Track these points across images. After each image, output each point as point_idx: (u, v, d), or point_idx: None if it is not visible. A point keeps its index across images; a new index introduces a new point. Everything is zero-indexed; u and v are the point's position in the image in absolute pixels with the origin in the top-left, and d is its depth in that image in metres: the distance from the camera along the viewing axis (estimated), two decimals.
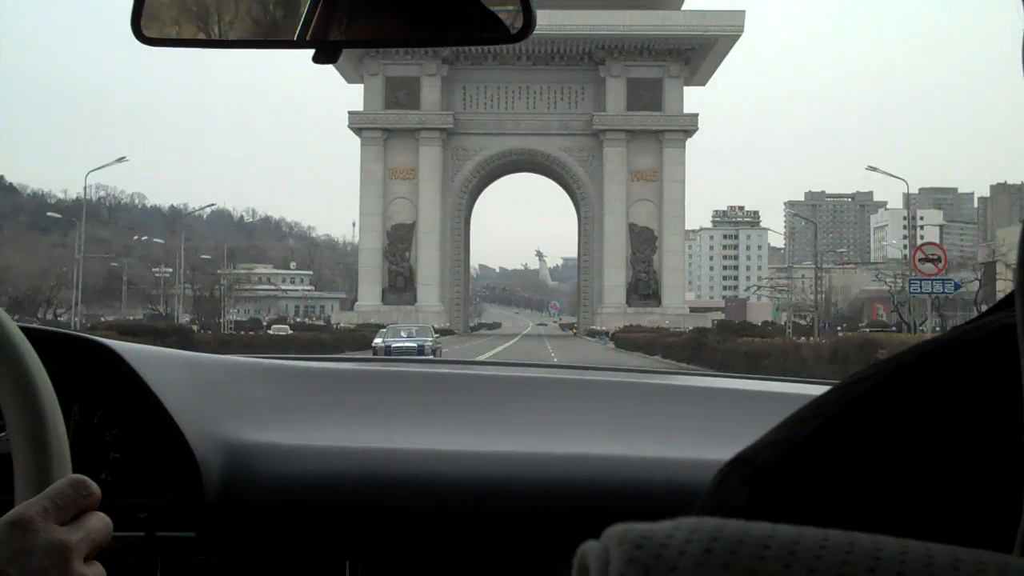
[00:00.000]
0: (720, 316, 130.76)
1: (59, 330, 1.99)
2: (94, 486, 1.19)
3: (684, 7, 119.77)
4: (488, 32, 1.44)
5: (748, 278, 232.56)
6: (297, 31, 1.45)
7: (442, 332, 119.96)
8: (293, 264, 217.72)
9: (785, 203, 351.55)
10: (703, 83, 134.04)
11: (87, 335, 2.02)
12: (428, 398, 2.31)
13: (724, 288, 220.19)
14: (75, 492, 1.17)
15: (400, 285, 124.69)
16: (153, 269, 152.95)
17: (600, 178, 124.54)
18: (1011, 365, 0.53)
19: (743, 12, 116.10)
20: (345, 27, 1.44)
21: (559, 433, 2.14)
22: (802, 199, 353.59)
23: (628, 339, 79.96)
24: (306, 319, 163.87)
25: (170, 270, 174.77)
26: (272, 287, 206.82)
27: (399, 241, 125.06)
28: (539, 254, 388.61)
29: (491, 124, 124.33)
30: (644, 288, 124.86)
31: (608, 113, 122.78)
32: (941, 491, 0.60)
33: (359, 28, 1.46)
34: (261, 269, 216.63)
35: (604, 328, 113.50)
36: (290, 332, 78.90)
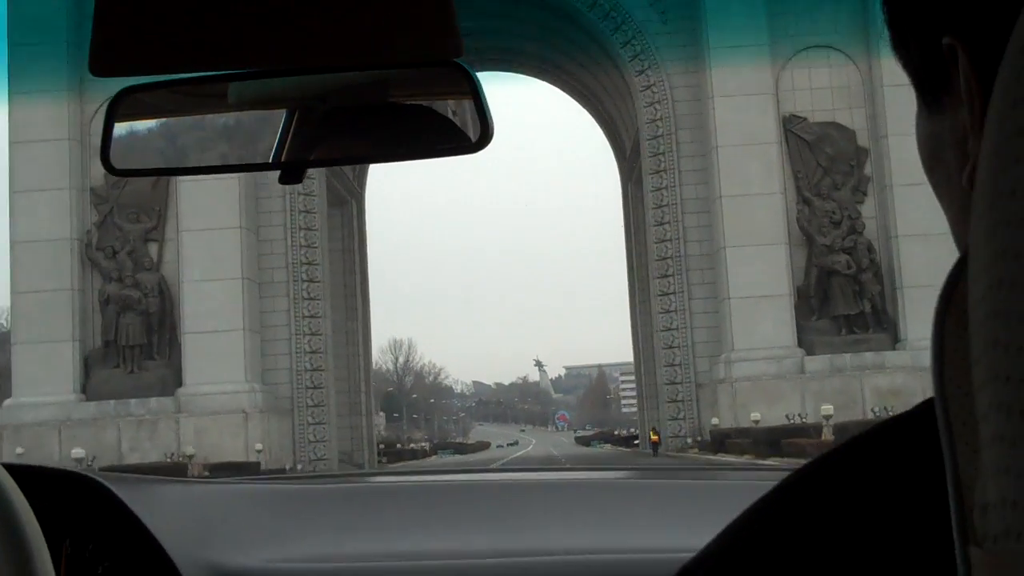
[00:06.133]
0: None
1: (43, 465, 2.06)
2: None
3: None
4: (448, 144, 1.51)
5: None
6: (266, 153, 1.55)
7: (236, 469, 37.20)
8: None
9: None
10: None
11: (72, 469, 2.08)
12: (427, 509, 2.31)
13: None
14: None
15: (136, 339, 42.55)
16: None
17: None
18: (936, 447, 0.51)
19: None
20: (314, 148, 1.55)
21: (557, 534, 2.16)
22: None
23: None
24: None
25: None
26: None
27: (127, 215, 43.99)
28: (538, 363, 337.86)
29: None
30: (845, 300, 43.26)
31: None
32: None
33: (327, 149, 1.57)
34: None
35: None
36: None
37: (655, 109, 46.86)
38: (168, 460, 38.77)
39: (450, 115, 1.49)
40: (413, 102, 1.54)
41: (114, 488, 2.00)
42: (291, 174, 1.51)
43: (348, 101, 1.52)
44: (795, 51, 44.56)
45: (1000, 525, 0.34)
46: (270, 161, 1.52)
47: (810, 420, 39.65)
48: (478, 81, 1.41)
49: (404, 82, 1.51)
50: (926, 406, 0.62)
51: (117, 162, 1.50)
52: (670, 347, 46.68)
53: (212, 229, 43.24)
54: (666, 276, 46.69)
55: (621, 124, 59.27)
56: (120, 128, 1.50)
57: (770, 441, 33.93)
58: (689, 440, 44.88)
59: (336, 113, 1.53)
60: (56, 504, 1.89)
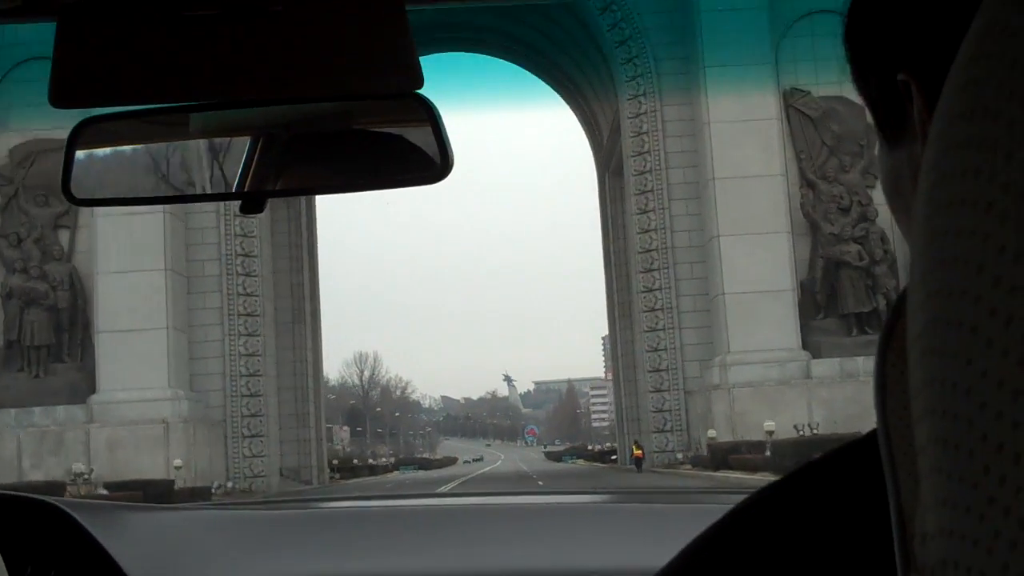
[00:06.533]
0: None
1: (5, 492, 2.10)
2: None
3: None
4: (408, 174, 1.56)
5: None
6: (228, 183, 1.57)
7: (144, 488, 30.69)
8: None
9: None
10: None
11: (34, 495, 2.11)
12: (389, 534, 2.33)
13: None
14: None
15: (42, 338, 36.62)
16: None
17: None
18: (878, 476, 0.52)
19: None
20: (275, 178, 1.57)
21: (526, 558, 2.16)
22: None
23: None
24: None
25: None
26: None
27: (35, 198, 38.27)
28: (507, 378, 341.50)
29: None
30: (856, 296, 38.27)
31: None
32: None
33: (288, 178, 1.59)
34: None
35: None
36: None
37: (638, 84, 42.02)
38: (73, 477, 33.21)
39: (410, 146, 1.50)
40: (374, 133, 1.56)
41: (76, 514, 2.00)
42: (253, 203, 1.53)
43: (310, 131, 1.55)
44: (797, 16, 39.86)
45: (938, 555, 0.35)
46: (232, 190, 1.54)
47: (822, 431, 34.65)
48: (438, 112, 1.43)
49: (365, 113, 1.53)
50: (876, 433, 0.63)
51: (78, 192, 1.50)
52: (655, 350, 41.68)
53: (132, 214, 37.73)
54: (650, 271, 41.78)
55: (599, 109, 54.46)
56: (81, 158, 1.50)
57: (797, 456, 28.43)
58: (679, 455, 39.76)
59: (298, 143, 1.55)
60: (18, 530, 1.91)
